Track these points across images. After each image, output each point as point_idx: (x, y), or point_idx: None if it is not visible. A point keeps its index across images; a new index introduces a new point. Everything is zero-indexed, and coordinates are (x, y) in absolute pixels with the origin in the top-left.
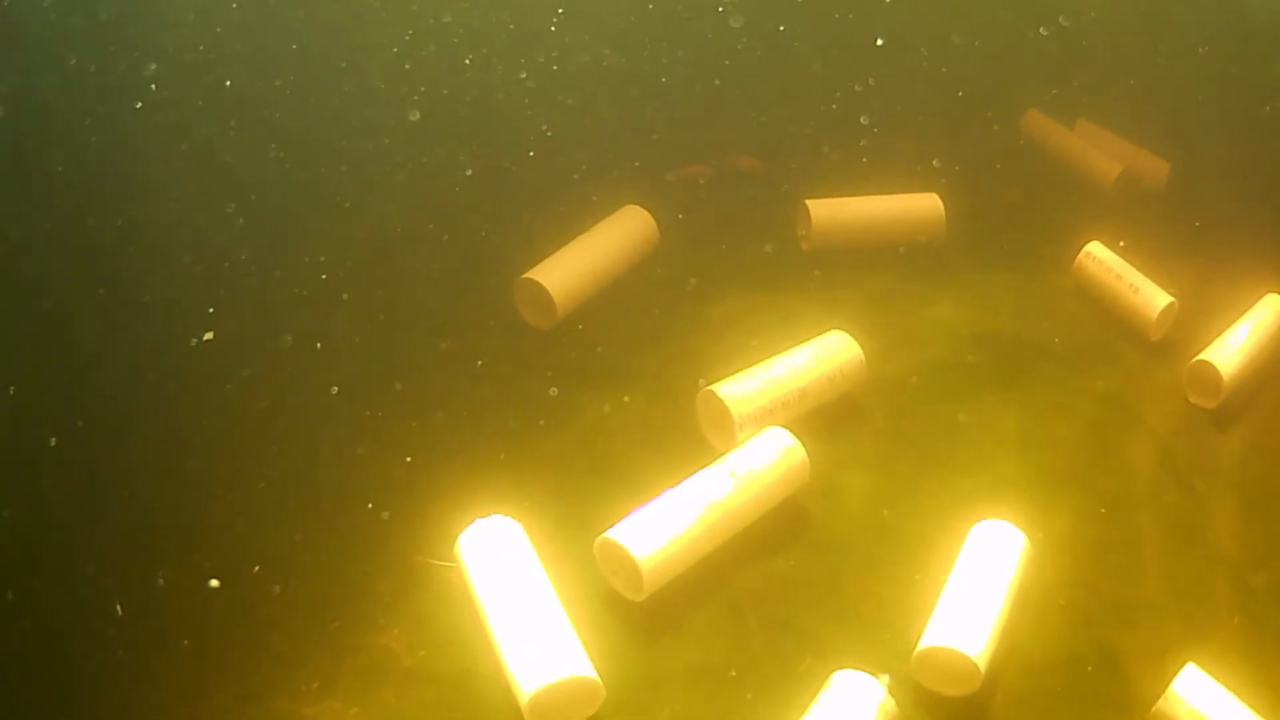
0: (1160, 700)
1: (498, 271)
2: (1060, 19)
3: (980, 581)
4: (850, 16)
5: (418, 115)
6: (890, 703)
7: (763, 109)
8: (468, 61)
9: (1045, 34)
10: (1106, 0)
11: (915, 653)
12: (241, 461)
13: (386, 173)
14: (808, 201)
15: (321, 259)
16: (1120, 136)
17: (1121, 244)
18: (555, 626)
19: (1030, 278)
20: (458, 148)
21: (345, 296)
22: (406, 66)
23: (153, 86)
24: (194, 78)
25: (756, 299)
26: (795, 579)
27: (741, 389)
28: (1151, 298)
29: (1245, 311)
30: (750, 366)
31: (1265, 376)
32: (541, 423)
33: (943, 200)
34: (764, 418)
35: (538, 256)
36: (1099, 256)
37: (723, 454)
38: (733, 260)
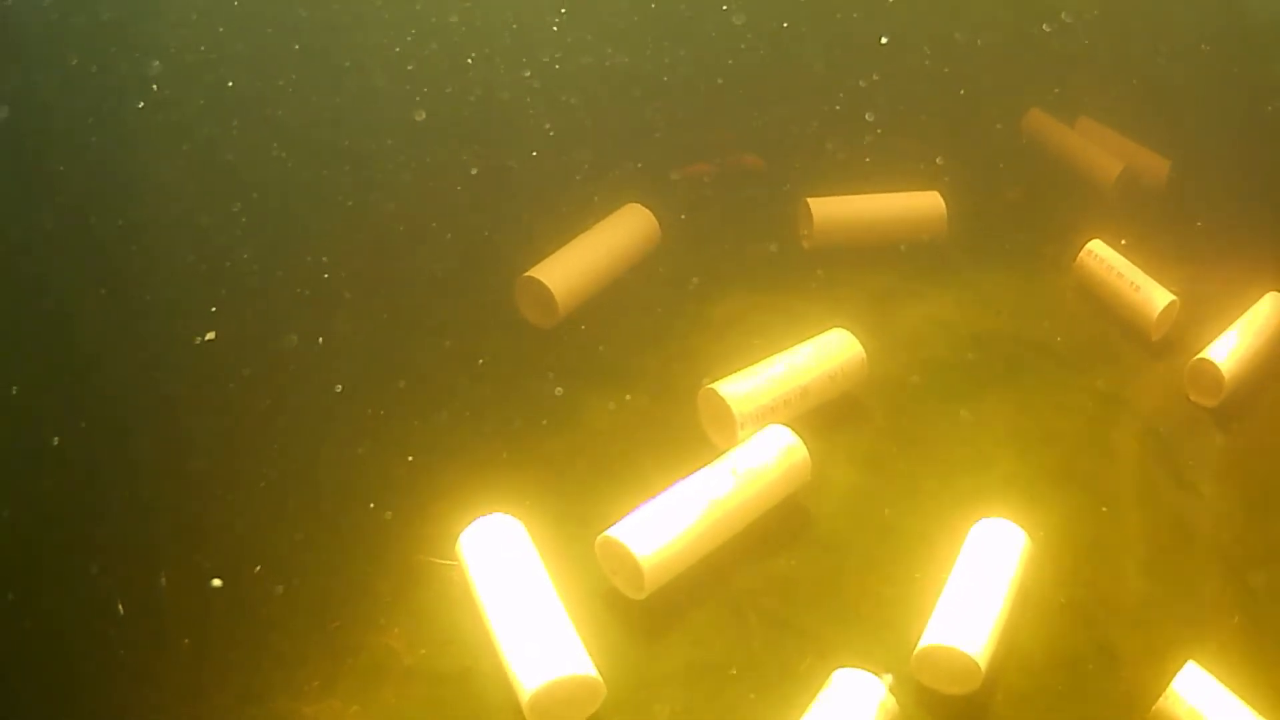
0: (1161, 699)
1: (499, 271)
2: (1063, 15)
3: (981, 580)
4: (853, 15)
5: (423, 115)
6: (891, 701)
7: (765, 108)
8: (470, 61)
9: (1048, 30)
10: None
11: (916, 651)
12: (242, 461)
13: (389, 172)
14: (809, 200)
15: (323, 258)
16: (1121, 134)
17: (1123, 242)
18: (556, 625)
19: (1031, 276)
20: (460, 147)
21: (347, 296)
22: (409, 66)
23: (154, 86)
24: (196, 77)
25: (758, 298)
26: (796, 578)
27: (743, 387)
28: (1153, 296)
29: (1246, 309)
30: (751, 365)
31: (1266, 375)
32: (543, 421)
33: (944, 199)
34: (765, 416)
35: (539, 255)
36: (1100, 255)
37: (724, 452)
38: (734, 259)
